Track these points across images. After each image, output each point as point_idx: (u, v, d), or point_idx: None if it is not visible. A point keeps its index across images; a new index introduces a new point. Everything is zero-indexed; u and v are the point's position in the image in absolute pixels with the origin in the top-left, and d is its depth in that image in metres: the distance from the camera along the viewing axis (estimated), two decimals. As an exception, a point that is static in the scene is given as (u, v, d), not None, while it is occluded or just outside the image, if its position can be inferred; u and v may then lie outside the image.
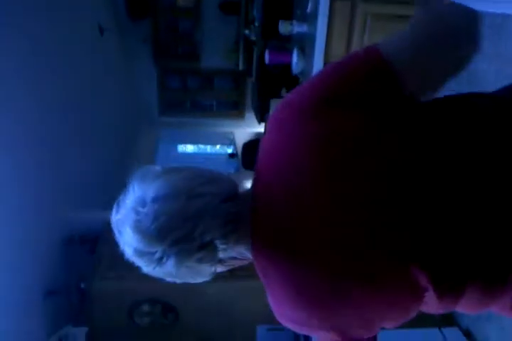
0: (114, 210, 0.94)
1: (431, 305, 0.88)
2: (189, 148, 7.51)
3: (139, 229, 0.87)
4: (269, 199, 0.89)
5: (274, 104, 4.11)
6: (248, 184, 1.00)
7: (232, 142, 7.02)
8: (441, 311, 0.93)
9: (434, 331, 2.79)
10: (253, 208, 0.91)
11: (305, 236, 0.86)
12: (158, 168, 0.96)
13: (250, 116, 6.03)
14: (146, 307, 3.09)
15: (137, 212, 0.88)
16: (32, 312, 2.82)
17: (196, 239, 0.86)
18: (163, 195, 0.87)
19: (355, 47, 2.73)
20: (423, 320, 2.91)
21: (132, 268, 3.72)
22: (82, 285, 3.00)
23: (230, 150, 7.09)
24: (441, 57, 0.84)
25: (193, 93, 7.15)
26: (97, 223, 3.53)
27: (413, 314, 0.90)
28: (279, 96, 4.10)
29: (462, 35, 0.85)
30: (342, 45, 2.75)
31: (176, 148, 7.38)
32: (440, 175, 0.82)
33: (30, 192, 2.80)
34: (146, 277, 3.63)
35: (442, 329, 2.79)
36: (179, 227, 0.86)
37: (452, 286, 0.85)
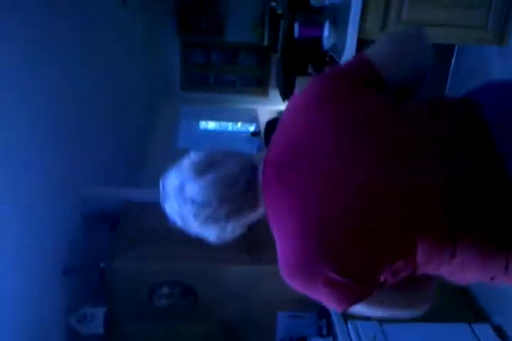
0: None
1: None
2: (211, 125, 7.39)
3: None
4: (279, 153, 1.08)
5: (300, 82, 3.94)
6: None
7: (254, 120, 6.87)
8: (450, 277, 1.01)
9: (464, 326, 2.69)
10: (263, 173, 1.08)
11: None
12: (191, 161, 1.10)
13: (274, 94, 5.87)
14: (165, 289, 3.03)
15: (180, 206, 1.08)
16: (51, 291, 2.78)
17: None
18: (198, 202, 1.06)
19: (392, 22, 2.55)
20: (453, 315, 2.84)
21: (153, 249, 3.63)
22: (102, 265, 2.94)
23: (252, 128, 6.96)
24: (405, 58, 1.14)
25: (216, 68, 7.00)
26: (118, 200, 3.46)
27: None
28: (305, 73, 3.92)
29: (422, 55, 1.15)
30: (378, 18, 2.56)
31: (198, 124, 7.27)
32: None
33: (52, 168, 2.72)
34: (167, 258, 3.58)
35: (473, 324, 2.69)
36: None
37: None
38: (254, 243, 3.22)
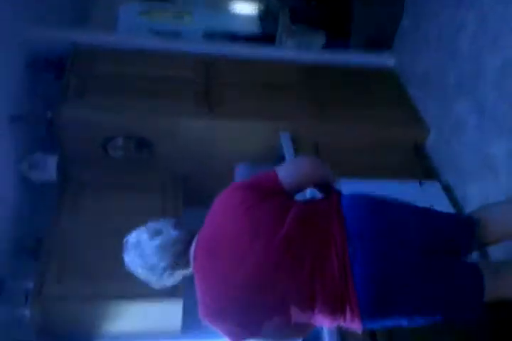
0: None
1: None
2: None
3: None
4: (205, 240, 1.54)
5: None
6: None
7: None
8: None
9: (413, 184, 2.76)
10: (196, 245, 1.55)
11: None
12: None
13: None
14: (120, 141, 2.94)
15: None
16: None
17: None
18: (145, 255, 1.56)
19: None
20: (405, 173, 2.91)
21: (106, 99, 3.39)
22: (49, 114, 2.77)
23: None
24: None
25: None
26: (64, 44, 3.16)
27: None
28: None
29: None
30: None
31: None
32: None
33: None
34: (121, 110, 3.36)
35: (422, 182, 2.77)
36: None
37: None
38: (214, 97, 3.09)
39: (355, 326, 1.50)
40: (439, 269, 1.54)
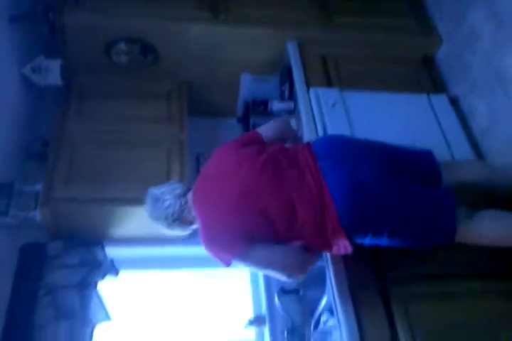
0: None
1: None
2: None
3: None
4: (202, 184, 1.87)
5: None
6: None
7: None
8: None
9: (422, 97, 2.73)
10: (194, 191, 1.86)
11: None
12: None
13: None
14: (123, 45, 2.86)
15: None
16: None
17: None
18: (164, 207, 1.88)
19: None
20: (413, 85, 2.85)
21: (109, 3, 3.21)
22: (51, 16, 2.67)
23: None
24: None
25: None
26: None
27: None
28: None
29: None
30: None
31: None
32: None
33: None
34: (122, 13, 3.24)
35: (431, 95, 2.73)
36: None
37: None
38: (220, 2, 2.96)
39: (341, 241, 1.65)
40: (411, 190, 1.71)
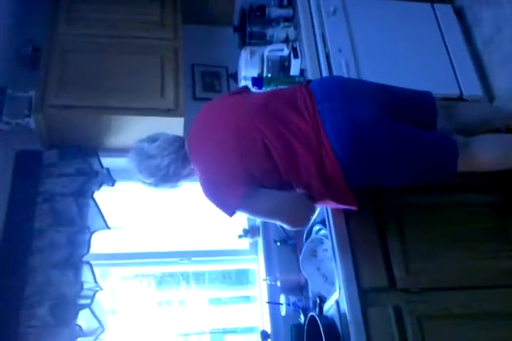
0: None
1: None
2: None
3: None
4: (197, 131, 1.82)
5: None
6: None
7: None
8: None
9: (426, 6, 2.62)
10: (189, 141, 1.81)
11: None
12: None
13: None
14: None
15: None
16: None
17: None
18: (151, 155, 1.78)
19: None
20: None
21: None
22: None
23: None
24: None
25: None
26: None
27: None
28: None
29: None
30: None
31: None
32: None
33: None
34: None
35: (435, 4, 2.62)
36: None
37: None
38: None
39: (337, 178, 1.60)
40: (408, 130, 1.69)
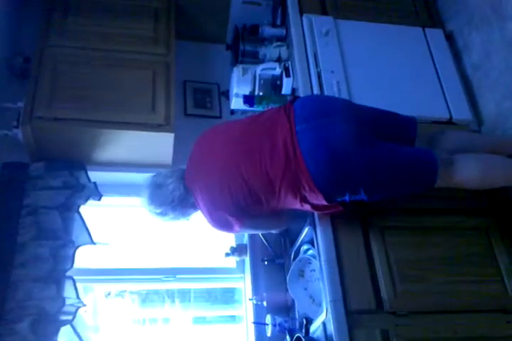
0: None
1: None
2: None
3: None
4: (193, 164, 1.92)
5: None
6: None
7: None
8: None
9: (417, 30, 2.66)
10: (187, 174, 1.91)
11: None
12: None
13: None
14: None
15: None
16: None
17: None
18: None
19: None
20: (410, 19, 2.76)
21: None
22: None
23: None
24: None
25: None
26: None
27: None
28: None
29: None
30: None
31: None
32: None
33: None
34: None
35: (426, 29, 2.66)
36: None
37: None
38: None
39: (316, 197, 1.70)
40: (386, 147, 1.72)
